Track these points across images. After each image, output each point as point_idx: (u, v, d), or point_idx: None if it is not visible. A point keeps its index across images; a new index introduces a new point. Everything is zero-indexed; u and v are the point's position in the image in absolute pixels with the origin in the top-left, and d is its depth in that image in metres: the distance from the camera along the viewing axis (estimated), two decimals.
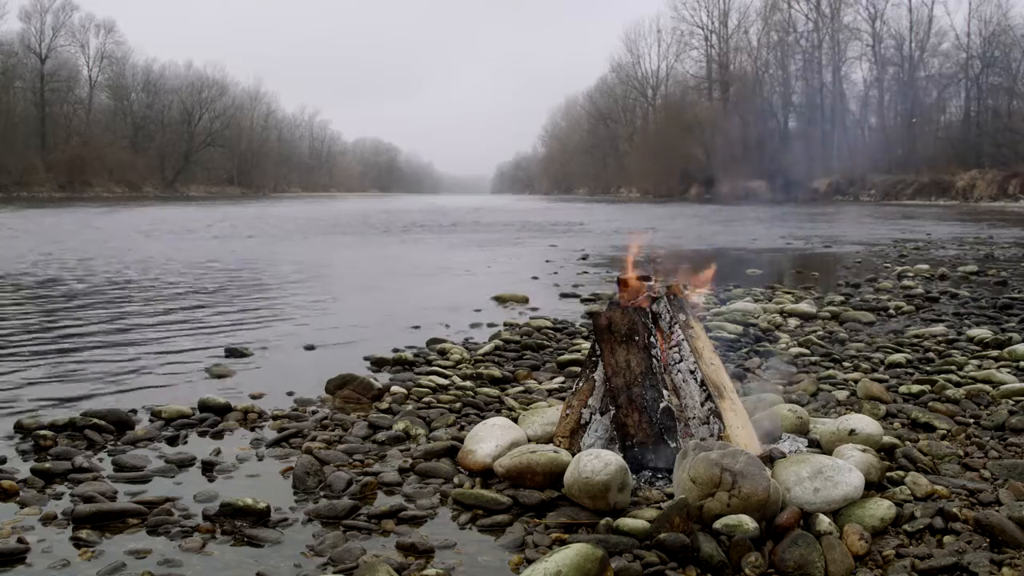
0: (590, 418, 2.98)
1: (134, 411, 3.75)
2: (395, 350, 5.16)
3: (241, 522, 2.47)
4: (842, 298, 7.55)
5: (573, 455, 2.70)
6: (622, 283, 3.09)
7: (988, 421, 3.47)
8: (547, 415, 3.27)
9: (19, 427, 3.43)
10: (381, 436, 3.33)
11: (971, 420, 3.52)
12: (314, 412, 3.79)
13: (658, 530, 2.27)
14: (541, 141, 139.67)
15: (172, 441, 3.37)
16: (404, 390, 4.10)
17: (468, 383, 4.28)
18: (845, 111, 67.94)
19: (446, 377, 4.38)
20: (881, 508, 2.44)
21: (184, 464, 3.05)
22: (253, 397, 4.08)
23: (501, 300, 7.81)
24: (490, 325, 6.35)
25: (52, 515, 2.53)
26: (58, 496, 2.71)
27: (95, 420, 3.45)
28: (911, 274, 9.91)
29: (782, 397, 3.71)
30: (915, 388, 4.02)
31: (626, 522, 2.36)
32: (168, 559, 2.26)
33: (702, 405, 2.85)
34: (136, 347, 5.43)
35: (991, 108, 58.43)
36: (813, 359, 4.84)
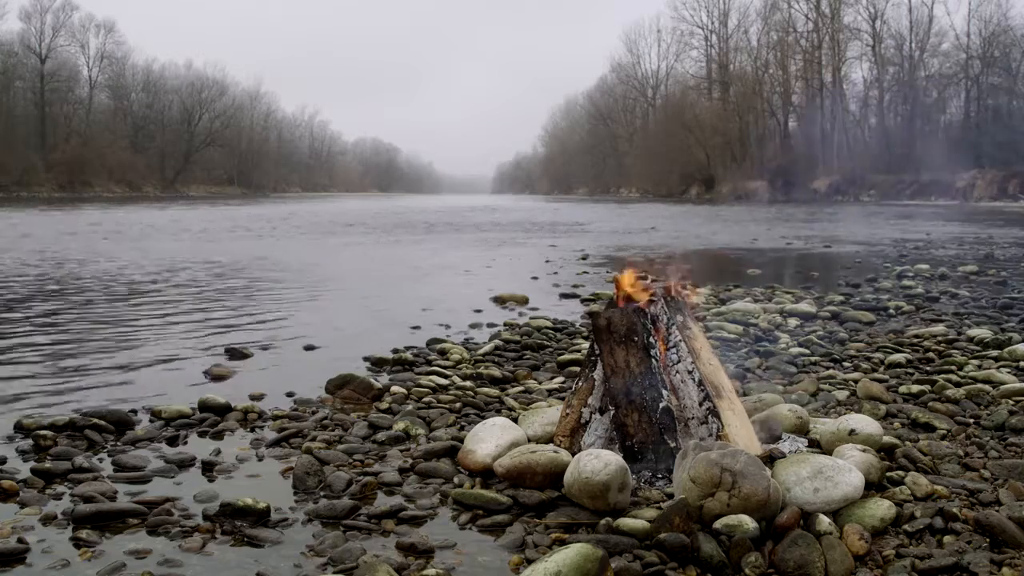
0: (590, 418, 2.97)
1: (134, 411, 3.75)
2: (395, 350, 5.16)
3: (241, 522, 2.47)
4: (842, 298, 7.54)
5: (573, 455, 2.69)
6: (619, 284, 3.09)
7: (988, 421, 3.47)
8: (547, 415, 3.27)
9: (19, 427, 3.43)
10: (381, 436, 3.33)
11: (971, 420, 3.52)
12: (314, 412, 3.78)
13: (658, 530, 2.27)
14: (541, 141, 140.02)
15: (172, 441, 3.36)
16: (404, 390, 4.10)
17: (468, 383, 4.28)
18: (845, 111, 67.92)
19: (446, 377, 4.38)
20: (881, 508, 2.43)
21: (184, 464, 3.05)
22: (253, 397, 4.08)
23: (501, 300, 7.80)
24: (490, 325, 6.35)
25: (52, 515, 2.53)
26: (58, 496, 2.71)
27: (95, 420, 3.45)
28: (911, 274, 9.91)
29: (782, 397, 3.71)
30: (915, 388, 4.02)
31: (626, 522, 2.36)
32: (168, 559, 2.26)
33: (700, 405, 2.85)
34: (136, 347, 5.44)
35: (991, 108, 58.42)
36: (813, 359, 4.84)
